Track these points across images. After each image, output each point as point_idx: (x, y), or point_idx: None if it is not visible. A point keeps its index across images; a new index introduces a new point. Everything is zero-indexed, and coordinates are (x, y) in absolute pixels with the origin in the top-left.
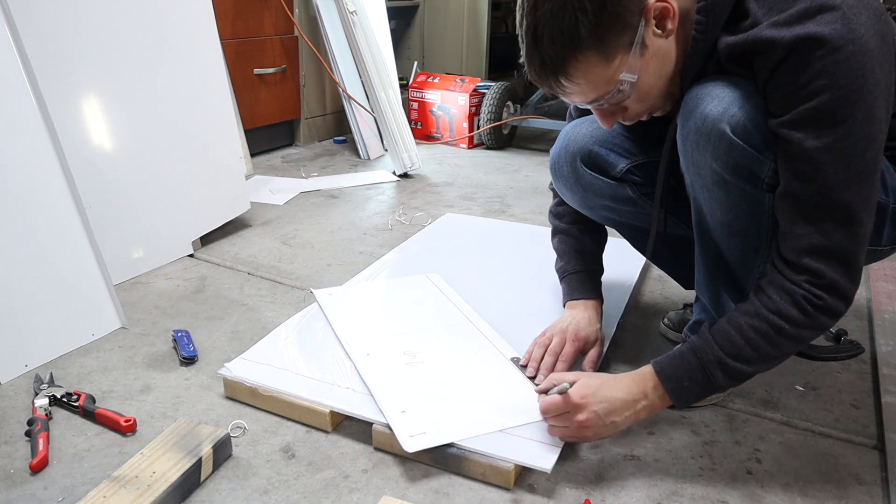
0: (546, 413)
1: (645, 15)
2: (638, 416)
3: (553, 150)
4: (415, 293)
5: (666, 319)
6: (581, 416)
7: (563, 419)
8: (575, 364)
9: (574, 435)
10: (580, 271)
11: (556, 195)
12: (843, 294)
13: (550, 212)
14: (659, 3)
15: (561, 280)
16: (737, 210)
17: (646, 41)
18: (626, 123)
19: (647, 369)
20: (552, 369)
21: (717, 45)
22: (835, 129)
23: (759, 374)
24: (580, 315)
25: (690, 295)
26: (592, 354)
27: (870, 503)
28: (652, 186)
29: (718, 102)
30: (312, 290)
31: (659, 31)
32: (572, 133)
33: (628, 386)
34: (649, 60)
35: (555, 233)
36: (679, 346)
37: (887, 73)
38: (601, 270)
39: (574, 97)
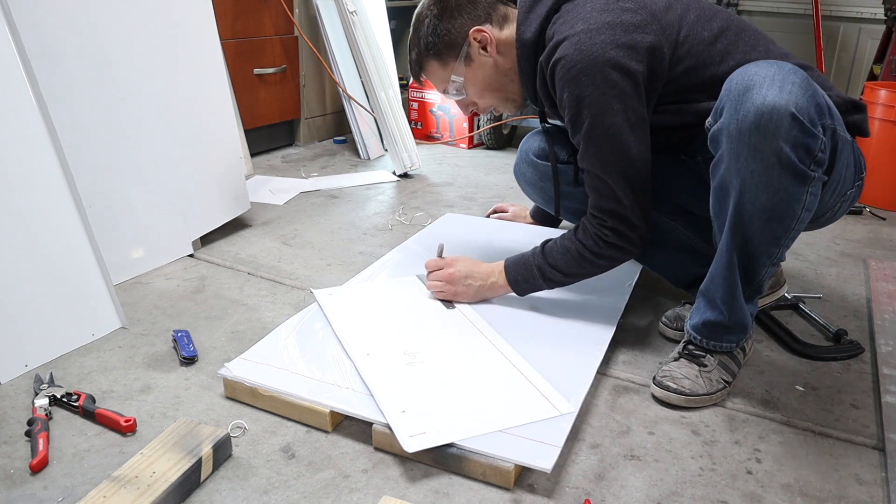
0: (426, 267)
1: (468, 39)
2: (486, 287)
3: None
4: (415, 293)
5: (664, 318)
6: (449, 271)
7: (437, 274)
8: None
9: (442, 289)
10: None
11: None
12: (624, 236)
13: None
14: (479, 33)
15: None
16: (784, 193)
17: (472, 56)
18: (481, 114)
19: (498, 264)
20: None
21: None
22: (581, 126)
23: (571, 281)
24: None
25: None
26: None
27: (870, 503)
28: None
29: (769, 88)
30: (312, 290)
31: (484, 52)
32: (526, 141)
33: (485, 266)
34: (476, 70)
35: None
36: (528, 251)
37: (629, 82)
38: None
39: (433, 86)
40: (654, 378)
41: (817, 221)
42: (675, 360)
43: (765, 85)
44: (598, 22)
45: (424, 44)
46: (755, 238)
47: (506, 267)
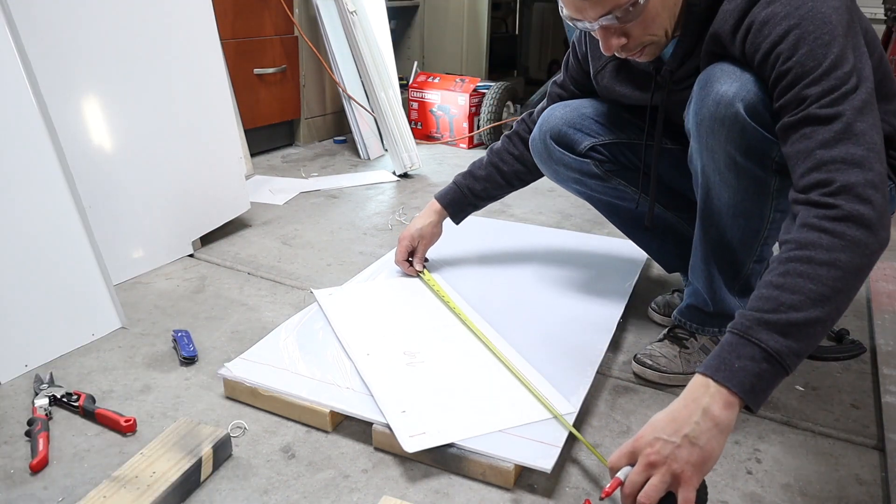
0: (614, 467)
1: None
2: (710, 421)
3: (533, 130)
4: (415, 293)
5: (653, 304)
6: (648, 449)
7: (637, 469)
8: None
9: (661, 482)
10: (461, 186)
11: (516, 137)
12: (862, 197)
13: (503, 137)
14: None
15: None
16: (745, 192)
17: None
18: (624, 54)
19: (699, 380)
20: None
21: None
22: (818, 64)
23: (828, 324)
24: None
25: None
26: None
27: (870, 503)
28: (615, 164)
29: (729, 86)
30: (312, 290)
31: None
32: (547, 115)
33: (676, 400)
34: None
35: (488, 154)
36: (730, 328)
37: (856, 28)
38: (476, 204)
39: (588, 9)
40: (635, 356)
41: None
42: (660, 340)
43: (725, 83)
44: None
45: None
46: (727, 233)
47: (706, 370)
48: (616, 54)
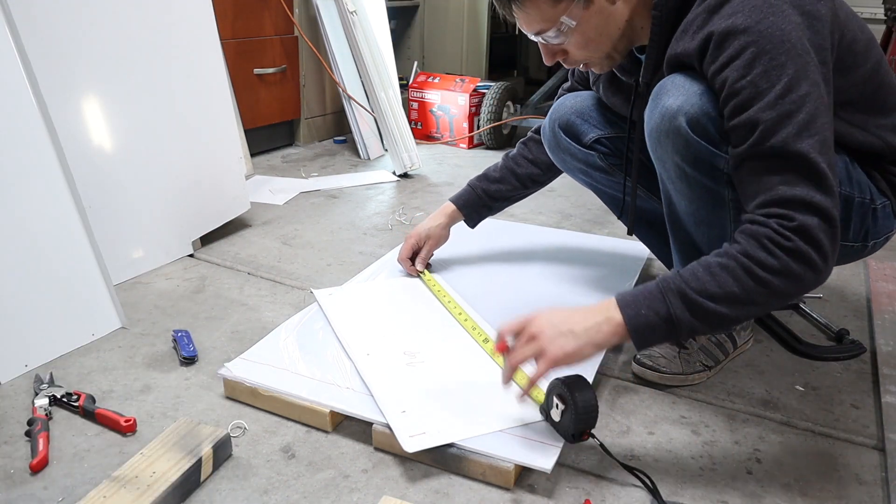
0: (501, 336)
1: None
2: (596, 332)
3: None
4: (415, 293)
5: None
6: (531, 329)
7: (520, 339)
8: None
9: (528, 354)
10: (475, 188)
11: (530, 142)
12: (815, 241)
13: (520, 143)
14: None
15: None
16: (699, 202)
17: None
18: (567, 66)
19: (608, 301)
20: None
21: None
22: (772, 87)
23: (729, 323)
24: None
25: None
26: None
27: (870, 503)
28: (619, 159)
29: (675, 99)
30: (312, 290)
31: None
32: (558, 104)
33: (582, 308)
34: (592, 15)
35: (503, 159)
36: (655, 280)
37: (822, 46)
38: (490, 206)
39: (522, 25)
40: (634, 356)
41: (850, 250)
42: None
43: (671, 96)
44: None
45: None
46: (695, 239)
47: (619, 300)
48: (563, 66)
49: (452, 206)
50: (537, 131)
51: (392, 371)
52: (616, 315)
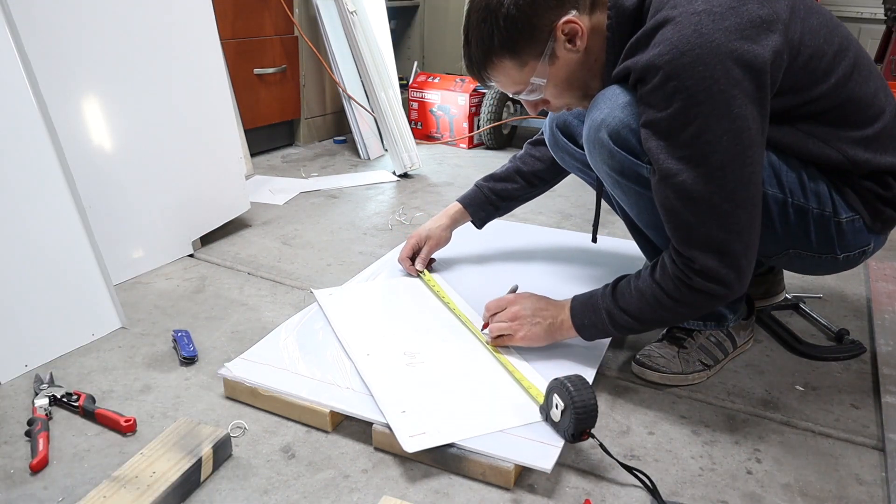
0: (487, 309)
1: (554, 33)
2: (554, 329)
3: None
4: (415, 293)
5: None
6: (513, 309)
7: (500, 315)
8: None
9: (505, 331)
10: (482, 187)
11: (538, 142)
12: (716, 278)
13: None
14: (568, 24)
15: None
16: (637, 207)
17: (557, 53)
18: (553, 112)
19: (567, 301)
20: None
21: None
22: (685, 129)
23: (640, 331)
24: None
25: None
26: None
27: (870, 503)
28: None
29: (600, 111)
30: (312, 290)
31: (570, 46)
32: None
33: (555, 303)
34: (560, 69)
35: (510, 160)
36: (599, 289)
37: (755, 76)
38: (497, 205)
39: (500, 88)
40: (634, 356)
41: (769, 260)
42: (659, 341)
43: (596, 109)
44: (722, 5)
45: (500, 40)
46: (659, 241)
47: (571, 308)
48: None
49: (458, 206)
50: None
51: (392, 371)
52: (568, 319)
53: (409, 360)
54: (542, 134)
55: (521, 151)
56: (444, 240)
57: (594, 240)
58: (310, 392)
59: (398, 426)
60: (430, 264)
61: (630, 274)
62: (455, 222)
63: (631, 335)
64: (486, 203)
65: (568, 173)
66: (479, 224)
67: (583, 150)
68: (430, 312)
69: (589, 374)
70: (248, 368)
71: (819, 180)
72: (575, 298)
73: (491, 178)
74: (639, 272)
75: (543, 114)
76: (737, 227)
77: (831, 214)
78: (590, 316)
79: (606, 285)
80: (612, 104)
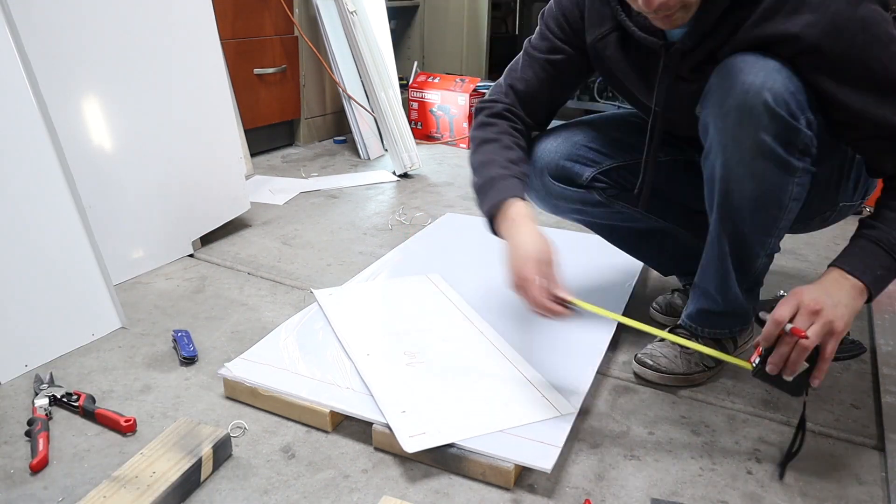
0: (777, 322)
1: None
2: (853, 299)
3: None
4: (415, 293)
5: (654, 304)
6: (810, 303)
7: (801, 318)
8: None
9: (820, 327)
10: (522, 176)
11: (483, 110)
12: None
13: (475, 127)
14: None
15: (495, 183)
16: (769, 183)
17: None
18: (658, 12)
19: (836, 274)
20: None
21: None
22: (879, 40)
23: None
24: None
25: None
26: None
27: (870, 503)
28: (616, 188)
29: (756, 76)
30: (312, 290)
31: None
32: (540, 152)
33: (821, 283)
34: None
35: (481, 143)
36: (851, 243)
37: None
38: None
39: None
40: (635, 356)
41: (805, 224)
42: (661, 340)
43: (750, 73)
44: None
45: None
46: (745, 228)
47: (854, 274)
48: (653, 11)
49: (519, 202)
50: (492, 109)
51: (392, 371)
52: (856, 282)
53: (409, 360)
54: (491, 110)
55: (492, 129)
56: (554, 251)
57: (644, 205)
58: (310, 392)
59: (398, 426)
60: None
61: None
62: (535, 221)
63: None
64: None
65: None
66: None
67: (585, 188)
68: (431, 312)
69: (589, 374)
70: (248, 368)
71: None
72: (845, 265)
73: (514, 162)
74: (884, 203)
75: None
76: None
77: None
78: (881, 265)
79: (861, 231)
80: (766, 67)
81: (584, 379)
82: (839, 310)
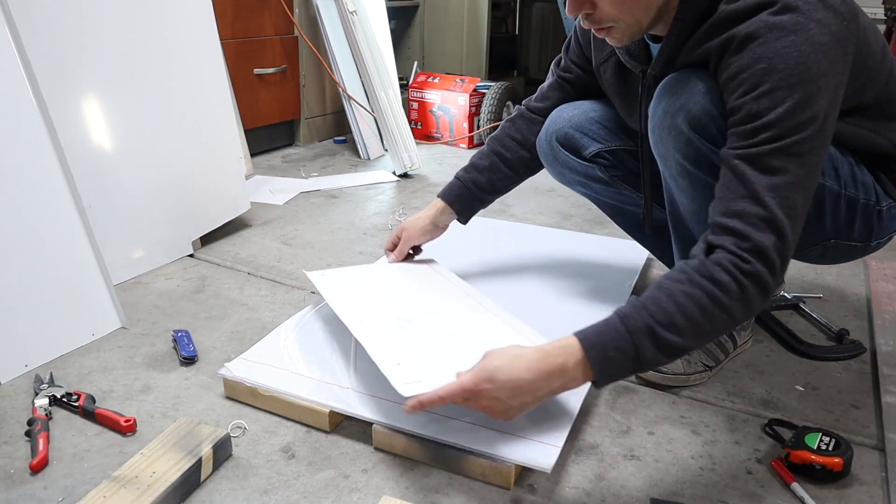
0: (444, 401)
1: None
2: (553, 392)
3: (540, 128)
4: (411, 271)
5: None
6: (483, 403)
7: (467, 405)
8: None
9: (486, 412)
10: (464, 180)
11: (519, 119)
12: (769, 262)
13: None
14: None
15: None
16: (701, 200)
17: None
18: (585, 26)
19: (567, 340)
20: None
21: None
22: (775, 106)
23: (685, 353)
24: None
25: None
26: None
27: (870, 503)
28: (620, 170)
29: (677, 98)
30: (306, 272)
31: None
32: (555, 116)
33: (540, 361)
34: None
35: (489, 143)
36: (611, 315)
37: (837, 71)
38: (482, 199)
39: None
40: None
41: (800, 253)
42: None
43: (674, 94)
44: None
45: None
46: (696, 236)
47: (583, 343)
48: (580, 23)
49: (440, 203)
50: (529, 107)
51: (387, 331)
52: (582, 365)
53: (404, 324)
54: (528, 109)
55: (499, 132)
56: (422, 232)
57: (649, 229)
58: (310, 392)
59: (393, 375)
60: (414, 254)
61: (633, 296)
62: (436, 217)
63: (655, 366)
64: (469, 197)
65: None
66: (464, 220)
67: (588, 162)
68: (427, 287)
69: None
70: (248, 368)
71: (865, 170)
72: (582, 334)
73: (473, 168)
74: (660, 281)
75: (598, 25)
76: (797, 211)
77: (875, 203)
78: (615, 347)
79: (619, 310)
80: (691, 89)
81: None
82: (516, 410)
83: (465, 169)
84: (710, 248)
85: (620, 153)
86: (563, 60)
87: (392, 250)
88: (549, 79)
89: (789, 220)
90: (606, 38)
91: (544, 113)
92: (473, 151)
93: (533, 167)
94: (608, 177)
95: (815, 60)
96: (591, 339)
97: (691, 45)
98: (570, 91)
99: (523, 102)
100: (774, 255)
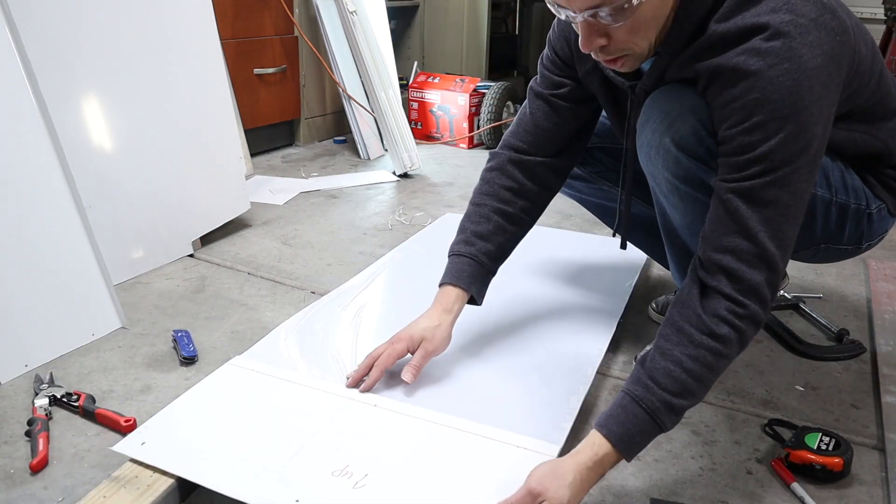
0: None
1: None
2: (590, 479)
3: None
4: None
5: (653, 303)
6: (535, 483)
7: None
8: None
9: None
10: (475, 256)
11: (508, 165)
12: (762, 299)
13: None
14: None
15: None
16: (693, 215)
17: None
18: (600, 57)
19: (595, 438)
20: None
21: (704, 28)
22: (767, 139)
23: (700, 398)
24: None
25: None
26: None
27: (870, 503)
28: (600, 166)
29: (665, 116)
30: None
31: None
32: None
33: (580, 467)
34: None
35: (480, 203)
36: (618, 397)
37: (830, 92)
38: (495, 270)
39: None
40: (635, 356)
41: (796, 254)
42: None
43: (661, 112)
44: (807, 16)
45: None
46: (691, 248)
47: (610, 438)
48: (593, 55)
49: (455, 291)
50: (515, 147)
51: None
52: (611, 452)
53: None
54: (496, 160)
55: (487, 186)
56: (444, 343)
57: (623, 246)
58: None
59: None
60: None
61: (637, 366)
62: (457, 314)
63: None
64: (482, 273)
65: (553, 195)
66: (481, 301)
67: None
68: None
69: (589, 374)
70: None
71: (853, 173)
72: (603, 428)
73: (476, 237)
74: (647, 354)
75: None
76: (788, 244)
77: (865, 207)
78: (634, 425)
79: (628, 384)
80: (681, 108)
81: (584, 379)
82: (561, 491)
83: (465, 241)
84: (704, 289)
85: (595, 150)
86: (547, 80)
87: (366, 367)
88: (533, 111)
89: (780, 251)
90: (615, 67)
91: (541, 150)
92: (474, 152)
93: (535, 216)
94: (586, 173)
95: (808, 87)
96: (617, 433)
97: (681, 63)
98: (564, 110)
99: (501, 146)
100: (766, 291)
